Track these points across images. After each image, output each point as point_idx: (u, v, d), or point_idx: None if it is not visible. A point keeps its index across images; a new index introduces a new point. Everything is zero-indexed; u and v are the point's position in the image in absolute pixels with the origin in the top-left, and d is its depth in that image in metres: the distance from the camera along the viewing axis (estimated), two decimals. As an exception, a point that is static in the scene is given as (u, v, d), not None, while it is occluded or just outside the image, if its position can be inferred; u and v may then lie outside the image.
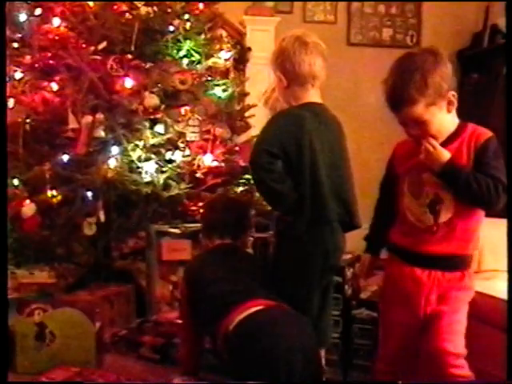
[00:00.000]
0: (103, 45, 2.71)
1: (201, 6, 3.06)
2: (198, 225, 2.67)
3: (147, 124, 2.68)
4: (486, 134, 1.76)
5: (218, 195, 2.74)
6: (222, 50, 3.11)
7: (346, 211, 2.01)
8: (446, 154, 1.71)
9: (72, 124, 2.59)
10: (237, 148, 3.00)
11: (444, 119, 1.74)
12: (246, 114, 3.26)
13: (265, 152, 1.93)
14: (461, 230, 1.75)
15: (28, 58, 2.77)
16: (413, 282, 1.79)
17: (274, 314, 1.86)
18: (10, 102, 2.64)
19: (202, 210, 2.49)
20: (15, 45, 2.81)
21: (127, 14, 2.81)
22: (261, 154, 1.94)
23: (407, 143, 1.85)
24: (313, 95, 2.07)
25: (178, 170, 2.71)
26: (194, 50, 2.91)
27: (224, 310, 1.88)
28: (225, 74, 3.11)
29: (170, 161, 2.71)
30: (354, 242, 2.19)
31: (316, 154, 1.97)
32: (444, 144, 1.74)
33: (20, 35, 2.82)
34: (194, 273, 2.13)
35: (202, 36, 2.98)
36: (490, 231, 2.01)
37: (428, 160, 1.73)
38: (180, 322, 2.23)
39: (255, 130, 2.14)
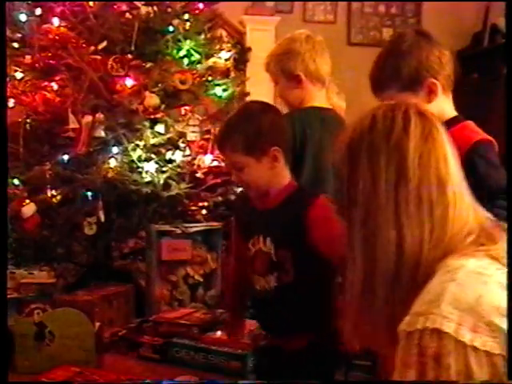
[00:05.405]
0: (103, 44, 2.71)
1: (201, 5, 3.06)
2: (198, 225, 2.67)
3: (147, 124, 2.68)
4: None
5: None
6: (222, 49, 3.11)
7: None
8: None
9: (72, 124, 2.59)
10: (237, 148, 3.00)
11: None
12: (246, 114, 3.26)
13: None
14: None
15: (28, 58, 2.77)
16: None
17: None
18: (10, 102, 2.64)
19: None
20: (15, 45, 2.81)
21: (127, 14, 2.81)
22: None
23: None
24: (322, 96, 2.09)
25: (178, 170, 2.71)
26: (194, 49, 2.90)
27: None
28: (225, 73, 3.11)
29: (171, 161, 2.71)
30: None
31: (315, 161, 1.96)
32: None
33: (20, 35, 2.82)
34: None
35: (202, 36, 2.98)
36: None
37: None
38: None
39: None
